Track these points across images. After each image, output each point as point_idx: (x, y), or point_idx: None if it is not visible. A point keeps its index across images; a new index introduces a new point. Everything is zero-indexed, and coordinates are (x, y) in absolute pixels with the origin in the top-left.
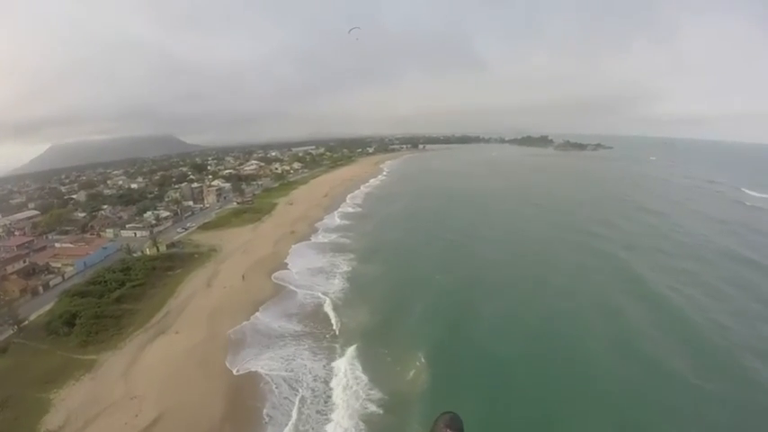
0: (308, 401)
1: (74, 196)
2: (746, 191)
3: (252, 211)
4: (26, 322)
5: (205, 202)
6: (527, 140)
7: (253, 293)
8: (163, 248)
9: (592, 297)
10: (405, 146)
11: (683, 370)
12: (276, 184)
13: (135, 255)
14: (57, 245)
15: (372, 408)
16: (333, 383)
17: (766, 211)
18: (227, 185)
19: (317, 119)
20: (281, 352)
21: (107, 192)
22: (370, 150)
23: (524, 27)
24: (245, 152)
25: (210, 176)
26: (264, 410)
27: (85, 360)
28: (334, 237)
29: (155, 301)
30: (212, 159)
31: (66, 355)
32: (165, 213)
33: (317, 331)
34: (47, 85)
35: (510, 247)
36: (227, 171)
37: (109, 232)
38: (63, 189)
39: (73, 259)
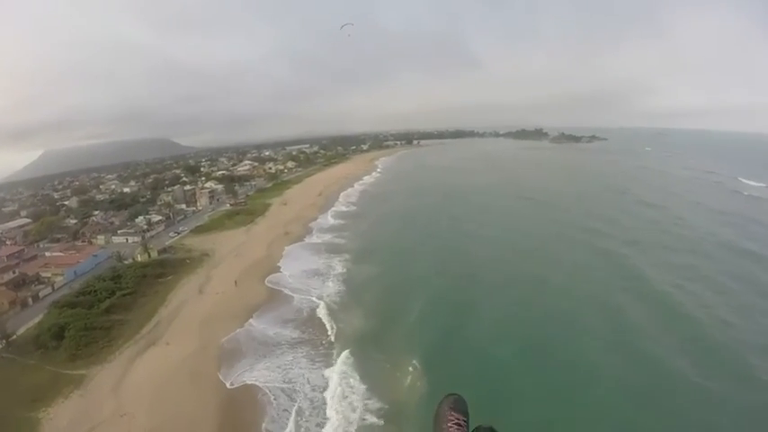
0: (306, 413)
1: (66, 202)
2: (744, 180)
3: (245, 213)
4: (14, 336)
5: (198, 204)
6: (522, 134)
7: (246, 299)
8: (154, 254)
9: (592, 295)
10: (399, 142)
11: (685, 368)
12: (270, 184)
13: (126, 262)
14: (47, 254)
15: (372, 418)
16: (331, 393)
17: (765, 201)
18: (220, 187)
19: (312, 118)
20: (276, 361)
21: (99, 197)
22: (365, 147)
23: (519, 25)
24: (239, 152)
25: (203, 178)
26: (263, 425)
27: (74, 375)
28: (328, 237)
29: (145, 311)
30: (206, 161)
31: (55, 371)
32: (156, 218)
33: (313, 338)
34: (40, 90)
35: (506, 244)
36: (221, 172)
37: (100, 239)
38: (56, 195)
39: (63, 268)
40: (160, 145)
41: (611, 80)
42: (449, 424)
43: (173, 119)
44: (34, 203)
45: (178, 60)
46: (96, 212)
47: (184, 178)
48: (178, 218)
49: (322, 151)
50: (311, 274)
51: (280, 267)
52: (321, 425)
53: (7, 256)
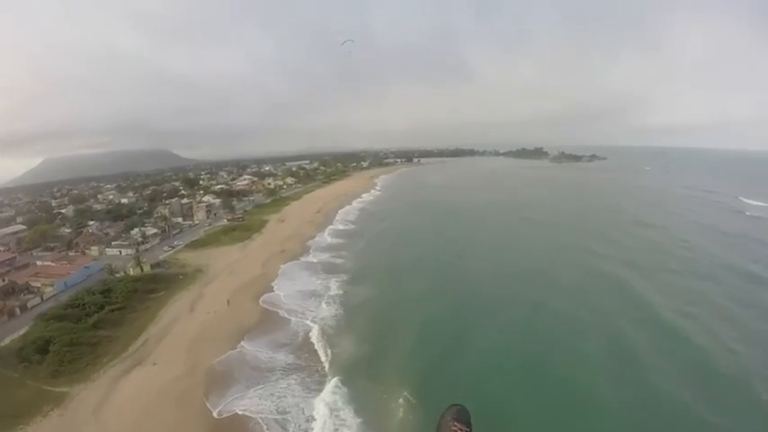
0: None
1: (63, 211)
2: (745, 200)
3: (242, 229)
4: None
5: (194, 218)
6: (522, 153)
7: (239, 319)
8: (147, 268)
9: (591, 320)
10: (399, 160)
11: (687, 398)
12: (268, 200)
13: (117, 275)
14: (38, 263)
15: None
16: (324, 426)
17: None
18: (218, 201)
19: (310, 133)
20: (269, 388)
21: (97, 206)
22: (365, 164)
23: (515, 40)
24: (239, 167)
25: (202, 192)
26: None
27: (56, 393)
28: (325, 256)
29: (134, 328)
30: (205, 174)
31: (37, 386)
32: (152, 230)
33: (310, 364)
34: (40, 98)
35: (505, 267)
36: (219, 186)
37: (94, 250)
38: (53, 203)
39: (53, 279)
40: (160, 156)
41: (609, 95)
42: None
43: (172, 130)
44: (31, 210)
45: (175, 72)
46: (92, 222)
47: (183, 191)
48: (174, 231)
49: (322, 167)
50: (307, 295)
51: (275, 287)
52: None
53: None
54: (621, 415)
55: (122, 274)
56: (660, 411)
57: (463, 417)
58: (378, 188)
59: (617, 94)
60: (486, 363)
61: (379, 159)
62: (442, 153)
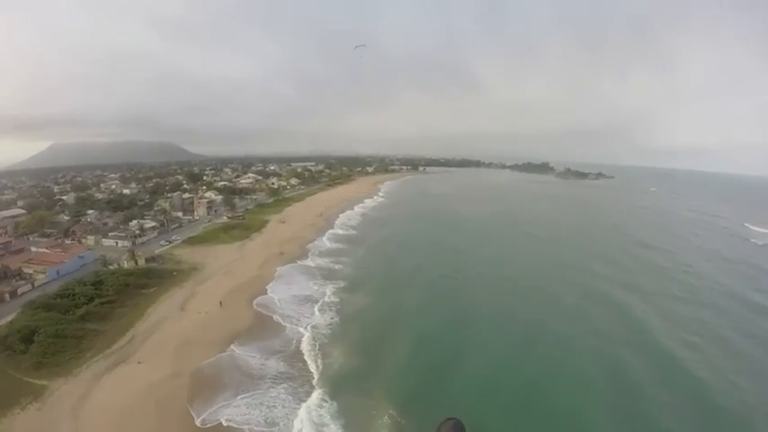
0: None
1: (64, 197)
2: (751, 227)
3: (241, 228)
4: None
5: (195, 214)
6: (528, 167)
7: (230, 322)
8: (141, 262)
9: (589, 345)
10: (404, 167)
11: None
12: (271, 200)
13: (111, 267)
14: (33, 249)
15: None
16: None
17: None
18: (219, 198)
19: (316, 136)
20: (258, 398)
21: (98, 195)
22: (370, 170)
23: (523, 53)
24: (245, 165)
25: (204, 187)
26: None
27: (36, 385)
28: (324, 261)
29: (121, 323)
30: (210, 170)
31: (18, 377)
32: (150, 223)
33: (300, 374)
34: (52, 86)
35: (505, 282)
36: (223, 183)
37: (90, 239)
38: (56, 189)
39: (46, 266)
40: (168, 149)
41: (616, 113)
42: None
43: (181, 126)
44: (32, 195)
45: (187, 72)
46: (90, 211)
47: (186, 185)
48: (173, 226)
49: (327, 170)
50: (303, 301)
51: (270, 290)
52: None
53: None
54: None
55: (116, 266)
56: None
57: (459, 431)
58: (381, 194)
59: (624, 113)
60: (479, 384)
61: (384, 165)
62: (448, 163)
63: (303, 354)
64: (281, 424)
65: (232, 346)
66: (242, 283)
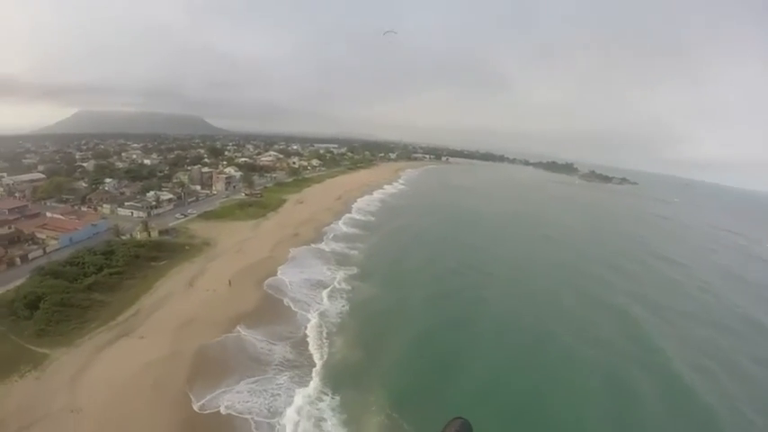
0: None
1: (84, 164)
2: None
3: (258, 206)
4: None
5: (213, 188)
6: (552, 166)
7: (238, 302)
8: (154, 234)
9: (598, 362)
10: (428, 156)
11: None
12: (290, 179)
13: (123, 237)
14: (48, 214)
15: None
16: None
17: None
18: (238, 174)
19: (341, 120)
20: (263, 384)
21: (119, 164)
22: (393, 156)
23: (552, 55)
24: (267, 142)
25: (225, 162)
26: None
27: (37, 353)
28: (339, 246)
29: (128, 296)
30: (232, 145)
31: (20, 344)
32: (167, 195)
33: (306, 363)
34: (81, 55)
35: (517, 286)
36: (244, 159)
37: (106, 208)
38: (78, 155)
39: (59, 233)
40: (193, 122)
41: (642, 122)
42: None
43: (206, 100)
44: (53, 160)
45: (214, 46)
46: (108, 180)
47: (206, 159)
48: (190, 199)
49: (349, 154)
50: (314, 285)
51: (282, 272)
52: None
53: (9, 210)
54: None
55: (129, 236)
56: None
57: (466, 430)
58: (402, 182)
59: (650, 122)
60: (481, 389)
61: (407, 153)
62: (471, 155)
63: (311, 342)
64: (285, 415)
65: (239, 328)
66: (253, 263)
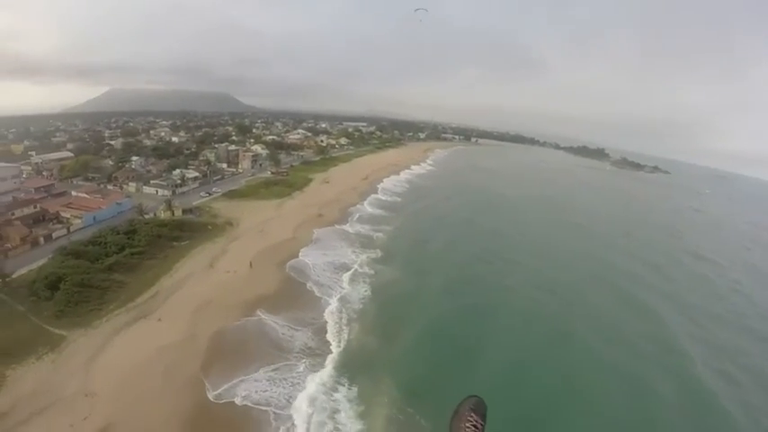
0: None
1: (112, 142)
2: None
3: (283, 184)
4: (14, 275)
5: (239, 166)
6: (582, 151)
7: (259, 285)
8: (178, 213)
9: (618, 360)
10: (457, 136)
11: None
12: (317, 158)
13: (146, 216)
14: (73, 193)
15: None
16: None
17: None
18: (265, 152)
19: (370, 97)
20: (283, 373)
21: (147, 142)
22: (422, 136)
23: (588, 38)
24: (296, 120)
25: (252, 140)
26: None
27: (55, 335)
28: (364, 228)
29: (147, 277)
30: (261, 122)
31: (39, 325)
32: (193, 174)
33: (325, 349)
34: (111, 34)
35: (542, 277)
36: (271, 137)
37: (131, 186)
38: (107, 133)
39: (83, 212)
40: (221, 100)
41: (677, 111)
42: (466, 424)
43: (235, 77)
44: (83, 138)
45: (242, 22)
46: (135, 158)
47: (234, 137)
48: (215, 177)
49: (378, 132)
50: (338, 268)
51: (305, 254)
52: None
53: (36, 189)
54: None
55: (152, 215)
56: None
57: (480, 410)
58: (430, 162)
59: (687, 110)
60: (499, 384)
61: (436, 133)
62: (502, 137)
63: (330, 329)
64: (303, 407)
65: (259, 312)
66: (276, 244)
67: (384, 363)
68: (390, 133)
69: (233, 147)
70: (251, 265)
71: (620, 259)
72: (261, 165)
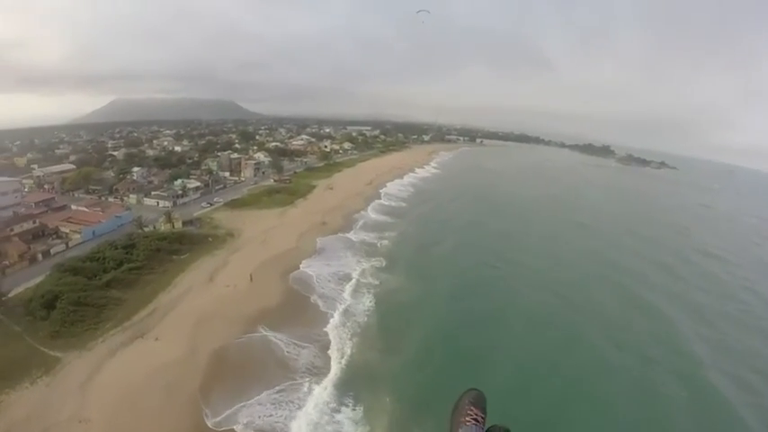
0: None
1: (115, 153)
2: None
3: (286, 192)
4: (10, 295)
5: (242, 175)
6: (588, 149)
7: (260, 299)
8: (178, 225)
9: (625, 364)
10: (462, 138)
11: None
12: (321, 164)
13: (146, 229)
14: (73, 206)
15: None
16: None
17: None
18: (267, 160)
19: (375, 99)
20: (288, 395)
21: (150, 152)
22: (426, 138)
23: (593, 35)
24: (300, 125)
25: (256, 147)
26: None
27: (50, 357)
28: (368, 236)
29: (146, 292)
30: (264, 129)
31: (34, 346)
32: (194, 184)
33: (330, 367)
34: (113, 42)
35: (547, 278)
36: (275, 144)
37: (132, 198)
38: (110, 144)
39: (83, 226)
40: (225, 107)
41: (684, 106)
42: (467, 418)
43: (239, 83)
44: (85, 150)
45: (246, 25)
46: (136, 169)
47: (237, 144)
48: (217, 187)
49: (382, 136)
50: (341, 279)
51: (308, 265)
52: None
53: (36, 203)
54: None
55: (152, 228)
56: None
57: (480, 403)
58: (434, 165)
59: (693, 106)
60: (506, 394)
61: (441, 135)
62: (507, 137)
63: (335, 345)
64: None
65: (260, 328)
66: (278, 255)
67: (390, 380)
68: (394, 136)
69: (235, 155)
70: (251, 278)
71: (627, 259)
72: (263, 172)
